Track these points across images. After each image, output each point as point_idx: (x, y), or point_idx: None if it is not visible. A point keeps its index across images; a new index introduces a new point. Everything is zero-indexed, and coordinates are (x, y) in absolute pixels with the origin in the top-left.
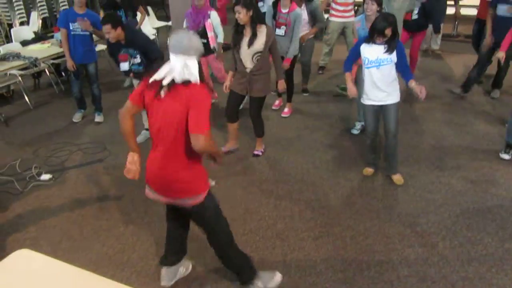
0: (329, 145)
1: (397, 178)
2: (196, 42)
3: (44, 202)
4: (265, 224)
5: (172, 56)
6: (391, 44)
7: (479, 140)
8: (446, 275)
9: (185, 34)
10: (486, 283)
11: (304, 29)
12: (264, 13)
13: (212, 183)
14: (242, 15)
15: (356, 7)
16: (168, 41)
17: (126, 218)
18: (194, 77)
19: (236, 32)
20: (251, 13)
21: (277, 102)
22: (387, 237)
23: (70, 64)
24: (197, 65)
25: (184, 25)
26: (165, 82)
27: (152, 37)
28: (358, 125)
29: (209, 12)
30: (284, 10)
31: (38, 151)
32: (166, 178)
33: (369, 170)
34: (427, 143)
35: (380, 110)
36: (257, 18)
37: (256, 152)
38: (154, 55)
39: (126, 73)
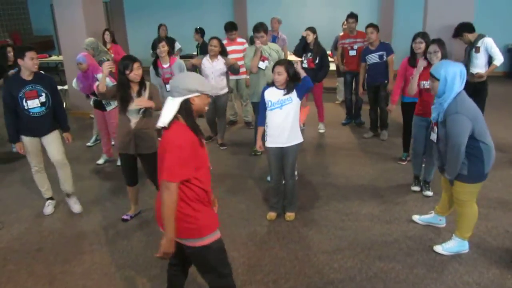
0: (242, 194)
1: (289, 215)
2: (185, 80)
3: None
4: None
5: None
6: (289, 88)
7: (377, 178)
8: None
9: (181, 75)
10: None
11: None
12: None
13: None
14: (141, 70)
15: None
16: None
17: None
18: (162, 121)
19: (123, 89)
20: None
21: None
22: (308, 277)
23: None
24: (174, 107)
25: (75, 85)
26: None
27: None
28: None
29: (95, 75)
30: (165, 65)
31: None
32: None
33: (271, 215)
34: (333, 184)
35: (282, 153)
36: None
37: None
38: (59, 98)
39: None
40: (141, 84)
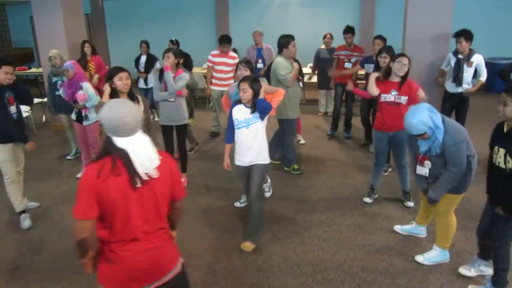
0: (224, 206)
1: (246, 244)
2: (137, 112)
3: None
4: None
5: (128, 139)
6: (253, 104)
7: (360, 189)
8: None
9: (123, 109)
10: None
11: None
12: None
13: None
14: (129, 81)
15: None
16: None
17: None
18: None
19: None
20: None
21: (183, 179)
22: None
23: None
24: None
25: (62, 94)
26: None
27: (25, 114)
28: (244, 198)
29: (80, 84)
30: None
31: None
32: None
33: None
34: (316, 195)
35: (248, 171)
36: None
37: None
38: (29, 99)
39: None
40: (131, 96)
